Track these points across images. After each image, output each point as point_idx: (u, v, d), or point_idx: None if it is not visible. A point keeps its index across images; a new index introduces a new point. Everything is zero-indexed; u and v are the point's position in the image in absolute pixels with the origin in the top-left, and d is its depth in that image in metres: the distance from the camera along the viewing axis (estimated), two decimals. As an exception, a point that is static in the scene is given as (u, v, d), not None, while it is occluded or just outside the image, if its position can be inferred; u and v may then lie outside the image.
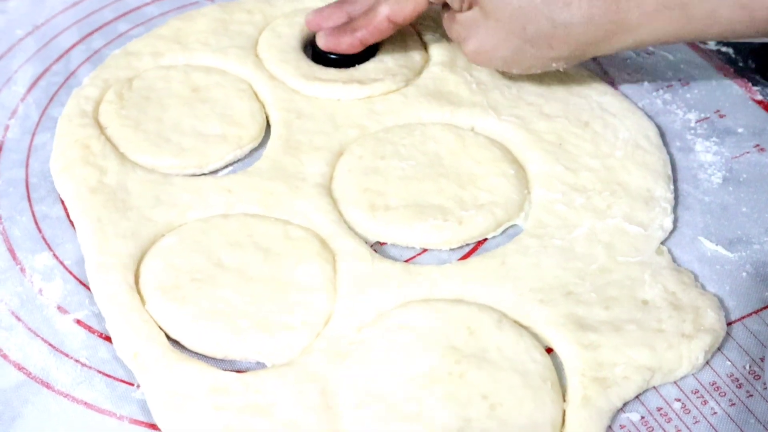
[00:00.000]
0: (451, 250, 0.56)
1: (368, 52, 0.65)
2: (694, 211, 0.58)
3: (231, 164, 0.61)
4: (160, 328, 0.51)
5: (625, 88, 0.66)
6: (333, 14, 0.65)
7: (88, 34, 0.71)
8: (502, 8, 0.57)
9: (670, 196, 0.58)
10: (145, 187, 0.57)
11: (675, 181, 0.60)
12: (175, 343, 0.51)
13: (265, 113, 0.63)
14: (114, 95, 0.63)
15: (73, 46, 0.70)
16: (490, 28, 0.58)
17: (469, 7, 0.59)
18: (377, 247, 0.56)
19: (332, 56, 0.65)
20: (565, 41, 0.57)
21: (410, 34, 0.68)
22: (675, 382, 0.50)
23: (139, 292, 0.52)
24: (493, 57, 0.59)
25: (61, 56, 0.69)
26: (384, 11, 0.62)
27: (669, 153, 0.61)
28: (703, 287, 0.54)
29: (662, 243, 0.56)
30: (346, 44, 0.64)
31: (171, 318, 0.51)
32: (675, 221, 0.57)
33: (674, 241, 0.56)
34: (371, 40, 0.63)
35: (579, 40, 0.57)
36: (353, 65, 0.65)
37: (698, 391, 0.49)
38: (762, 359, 0.50)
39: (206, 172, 0.60)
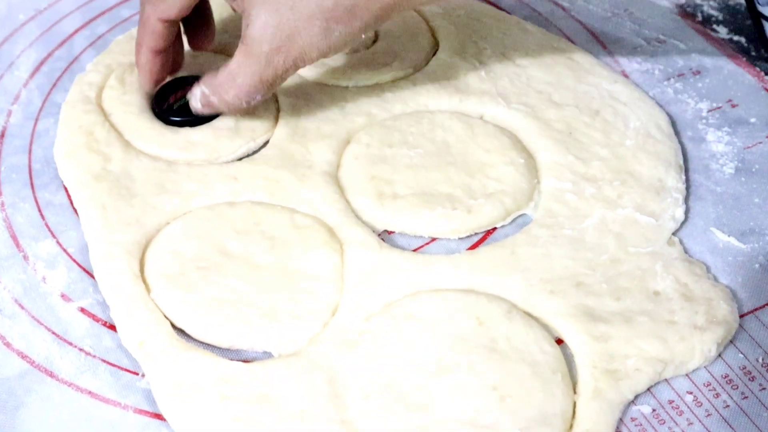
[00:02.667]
0: (460, 239, 0.55)
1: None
2: (706, 201, 0.57)
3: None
4: (166, 317, 0.50)
5: (636, 76, 0.65)
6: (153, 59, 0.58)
7: (91, 19, 0.70)
8: None
9: (682, 186, 0.57)
10: (150, 175, 0.56)
11: (686, 171, 0.59)
12: (180, 332, 0.50)
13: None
14: (116, 81, 0.62)
15: (76, 31, 0.69)
16: (284, 14, 0.52)
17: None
18: (385, 236, 0.55)
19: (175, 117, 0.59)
20: (366, 6, 0.52)
21: (417, 20, 0.67)
22: (687, 375, 0.49)
23: (144, 281, 0.51)
24: (305, 52, 0.53)
25: (64, 41, 0.68)
26: (150, 12, 0.56)
27: (680, 143, 0.60)
28: (715, 279, 0.53)
29: (674, 234, 0.55)
30: (145, 68, 0.58)
31: (176, 306, 0.50)
32: (687, 212, 0.56)
33: (686, 232, 0.56)
34: (159, 46, 0.57)
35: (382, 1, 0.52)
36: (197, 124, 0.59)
37: (710, 384, 0.49)
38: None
39: (216, 164, 0.58)
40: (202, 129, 0.59)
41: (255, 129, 0.59)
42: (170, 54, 0.59)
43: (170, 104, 0.60)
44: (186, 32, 0.61)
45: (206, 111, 0.57)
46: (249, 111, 0.58)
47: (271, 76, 0.54)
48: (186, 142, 0.58)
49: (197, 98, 0.57)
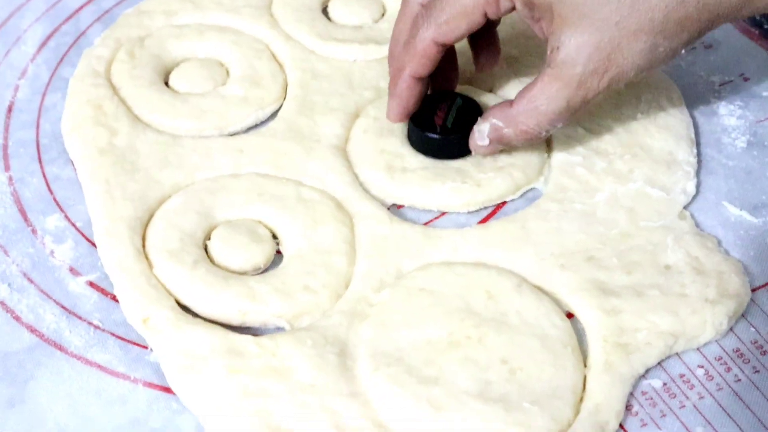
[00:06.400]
0: (470, 213, 0.55)
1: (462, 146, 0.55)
2: (718, 175, 0.57)
3: (251, 128, 0.59)
4: (170, 293, 0.49)
5: (647, 50, 0.65)
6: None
7: (97, -6, 0.70)
8: (608, 8, 0.46)
9: (693, 159, 0.57)
10: (155, 149, 0.56)
11: (698, 145, 0.58)
12: (185, 308, 0.49)
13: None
14: (125, 54, 0.61)
15: (83, 5, 0.69)
16: (606, 31, 0.47)
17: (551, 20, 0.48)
18: (394, 210, 0.55)
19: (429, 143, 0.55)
20: (698, 17, 0.47)
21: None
22: (698, 349, 0.49)
23: (146, 256, 0.51)
24: (623, 71, 0.48)
25: (70, 16, 0.68)
26: (428, 34, 0.51)
27: (692, 116, 0.60)
28: (726, 252, 0.53)
29: (685, 208, 0.54)
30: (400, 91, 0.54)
31: (181, 283, 0.50)
32: (698, 186, 0.56)
33: (697, 206, 0.55)
34: (423, 72, 0.53)
35: (713, 10, 0.47)
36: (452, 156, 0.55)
37: (722, 358, 0.48)
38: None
39: (225, 134, 0.58)
40: (213, 97, 0.59)
41: (263, 98, 0.59)
42: (429, 80, 0.54)
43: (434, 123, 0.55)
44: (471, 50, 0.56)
45: (494, 148, 0.52)
46: (536, 142, 0.53)
47: (580, 101, 0.49)
48: (198, 110, 0.58)
49: (484, 134, 0.52)
